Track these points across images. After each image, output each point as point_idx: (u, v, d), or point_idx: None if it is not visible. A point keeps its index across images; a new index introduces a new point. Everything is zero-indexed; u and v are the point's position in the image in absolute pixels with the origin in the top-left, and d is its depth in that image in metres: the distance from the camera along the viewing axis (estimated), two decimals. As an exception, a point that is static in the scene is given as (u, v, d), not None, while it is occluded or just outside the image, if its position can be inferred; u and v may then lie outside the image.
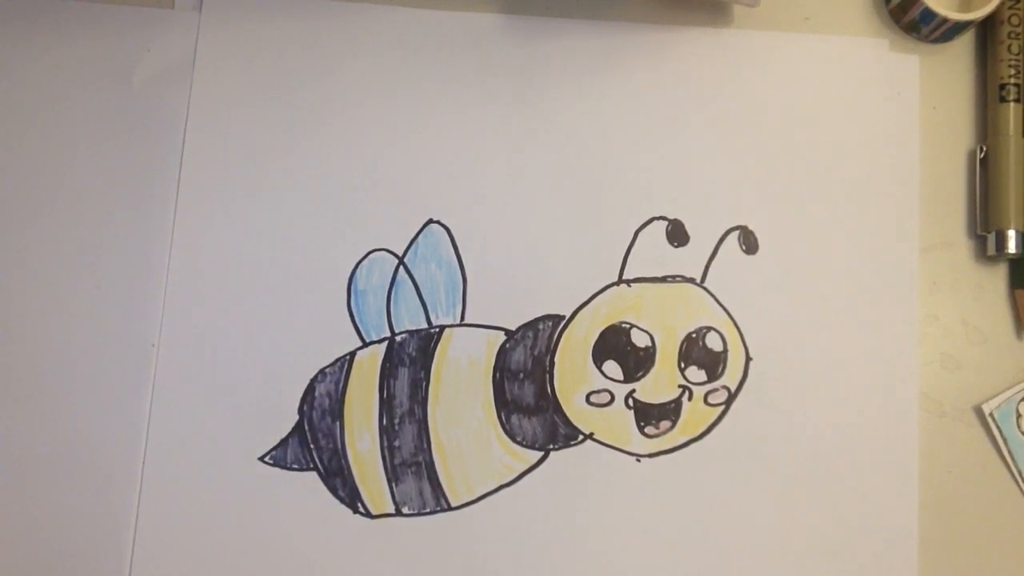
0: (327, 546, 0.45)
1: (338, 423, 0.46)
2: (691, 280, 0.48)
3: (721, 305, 0.48)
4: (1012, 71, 0.49)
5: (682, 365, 0.47)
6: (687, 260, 0.48)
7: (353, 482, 0.46)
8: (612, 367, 0.47)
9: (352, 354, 0.47)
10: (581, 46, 0.50)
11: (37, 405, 0.46)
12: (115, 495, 0.45)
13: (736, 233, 0.48)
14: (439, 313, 0.47)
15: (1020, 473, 0.47)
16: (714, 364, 0.47)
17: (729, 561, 0.46)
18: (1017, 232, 0.48)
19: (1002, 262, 0.49)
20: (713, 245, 0.48)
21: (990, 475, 0.47)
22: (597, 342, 0.47)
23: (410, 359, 0.47)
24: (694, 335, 0.47)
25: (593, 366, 0.47)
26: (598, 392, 0.47)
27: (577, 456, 0.46)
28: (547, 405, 0.47)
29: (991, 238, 0.48)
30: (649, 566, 0.45)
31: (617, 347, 0.47)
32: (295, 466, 0.46)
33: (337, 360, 0.47)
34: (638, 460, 0.46)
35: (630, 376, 0.47)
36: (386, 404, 0.46)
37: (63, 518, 0.45)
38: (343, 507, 0.46)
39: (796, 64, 0.50)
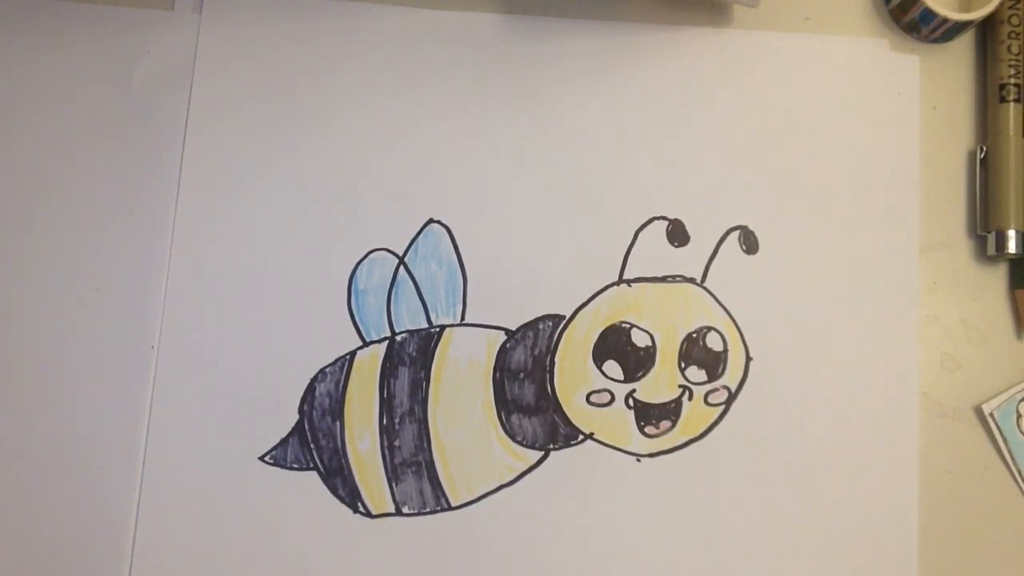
0: (327, 546, 0.45)
1: (338, 423, 0.46)
2: (691, 280, 0.48)
3: (721, 305, 0.48)
4: (1012, 71, 0.49)
5: (682, 365, 0.47)
6: (687, 260, 0.48)
7: (353, 482, 0.46)
8: (612, 367, 0.47)
9: (352, 354, 0.47)
10: (581, 46, 0.50)
11: (37, 406, 0.46)
12: (115, 495, 0.45)
13: (736, 233, 0.48)
14: (439, 313, 0.47)
15: (1020, 473, 0.47)
16: (714, 364, 0.47)
17: (729, 561, 0.46)
18: (1017, 232, 0.48)
19: (1002, 262, 0.49)
20: (713, 245, 0.48)
21: (990, 475, 0.47)
22: (597, 342, 0.47)
23: (410, 359, 0.47)
24: (694, 335, 0.47)
25: (593, 366, 0.47)
26: (598, 392, 0.47)
27: (577, 456, 0.46)
28: (547, 405, 0.47)
29: (991, 238, 0.48)
30: (649, 566, 0.45)
31: (617, 347, 0.47)
32: (295, 466, 0.46)
33: (337, 360, 0.47)
34: (638, 460, 0.46)
35: (630, 376, 0.47)
36: (386, 404, 0.46)
37: (63, 518, 0.45)
38: (343, 507, 0.46)
39: (796, 64, 0.50)
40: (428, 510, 0.46)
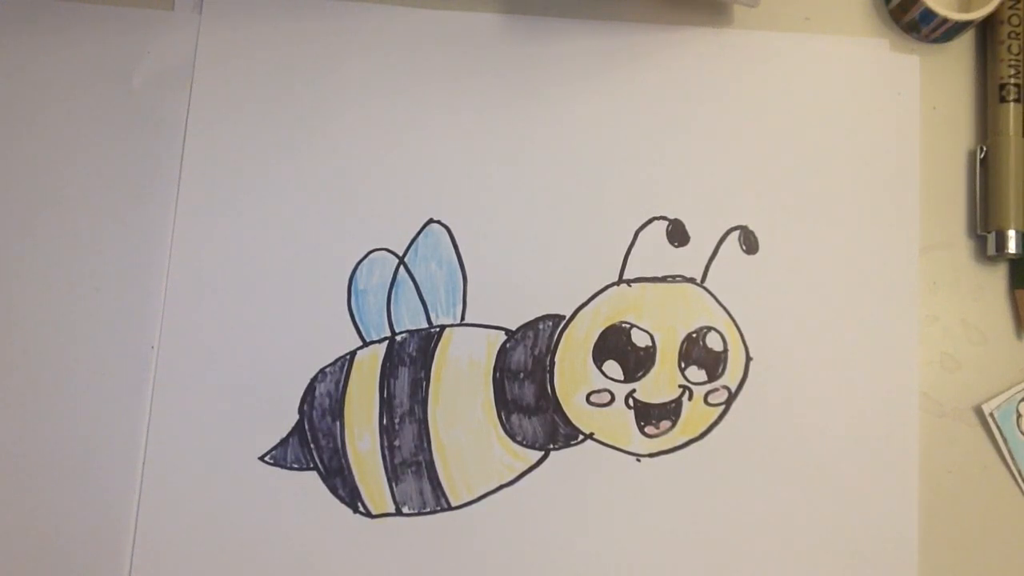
0: (327, 546, 0.45)
1: (338, 423, 0.46)
2: (691, 280, 0.48)
3: (721, 305, 0.48)
4: (1012, 71, 0.49)
5: (682, 365, 0.47)
6: (687, 260, 0.48)
7: (353, 482, 0.46)
8: (612, 367, 0.47)
9: (352, 354, 0.47)
10: (581, 46, 0.50)
11: (37, 406, 0.46)
12: (115, 495, 0.45)
13: (736, 233, 0.48)
14: (439, 313, 0.47)
15: (1020, 473, 0.47)
16: (714, 364, 0.47)
17: (729, 561, 0.46)
18: (1017, 232, 0.48)
19: (1002, 262, 0.49)
20: (713, 245, 0.48)
21: (990, 475, 0.47)
22: (597, 342, 0.47)
23: (410, 359, 0.47)
24: (694, 335, 0.47)
25: (593, 366, 0.47)
26: (598, 392, 0.47)
27: (577, 456, 0.46)
28: (547, 405, 0.47)
29: (991, 238, 0.48)
30: (649, 566, 0.45)
31: (617, 347, 0.47)
32: (295, 466, 0.46)
33: (337, 360, 0.47)
34: (638, 460, 0.46)
35: (630, 376, 0.47)
36: (386, 404, 0.46)
37: (63, 518, 0.45)
38: (343, 507, 0.46)
39: (796, 64, 0.50)
40: (428, 510, 0.46)
